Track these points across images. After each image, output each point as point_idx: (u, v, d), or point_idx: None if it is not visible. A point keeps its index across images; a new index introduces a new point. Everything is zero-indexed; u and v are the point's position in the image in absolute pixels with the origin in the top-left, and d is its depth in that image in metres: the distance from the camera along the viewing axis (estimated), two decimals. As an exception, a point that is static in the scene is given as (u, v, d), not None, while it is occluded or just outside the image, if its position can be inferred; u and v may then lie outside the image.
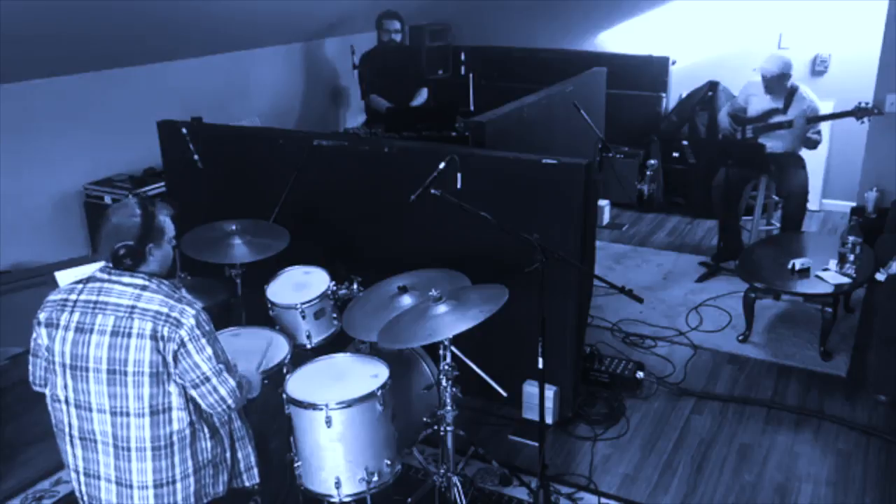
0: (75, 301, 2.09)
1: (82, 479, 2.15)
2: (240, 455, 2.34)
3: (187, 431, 2.11)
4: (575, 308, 3.34)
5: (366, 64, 5.60)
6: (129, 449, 2.08)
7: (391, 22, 5.47)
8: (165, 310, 2.06)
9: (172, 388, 2.08)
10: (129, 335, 2.04)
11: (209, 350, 2.10)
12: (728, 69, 6.09)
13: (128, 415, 2.06)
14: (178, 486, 2.12)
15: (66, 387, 2.10)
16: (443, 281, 2.79)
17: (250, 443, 2.37)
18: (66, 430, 2.14)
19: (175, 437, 2.10)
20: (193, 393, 2.11)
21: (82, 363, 2.07)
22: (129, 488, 2.10)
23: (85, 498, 2.18)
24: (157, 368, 2.05)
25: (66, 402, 2.11)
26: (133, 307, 2.06)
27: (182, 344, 2.05)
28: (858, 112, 4.59)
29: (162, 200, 2.25)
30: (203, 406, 2.14)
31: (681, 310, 4.56)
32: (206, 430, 2.17)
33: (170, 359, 2.06)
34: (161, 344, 2.04)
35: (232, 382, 2.15)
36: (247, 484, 2.38)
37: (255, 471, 2.39)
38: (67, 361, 2.08)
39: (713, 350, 4.12)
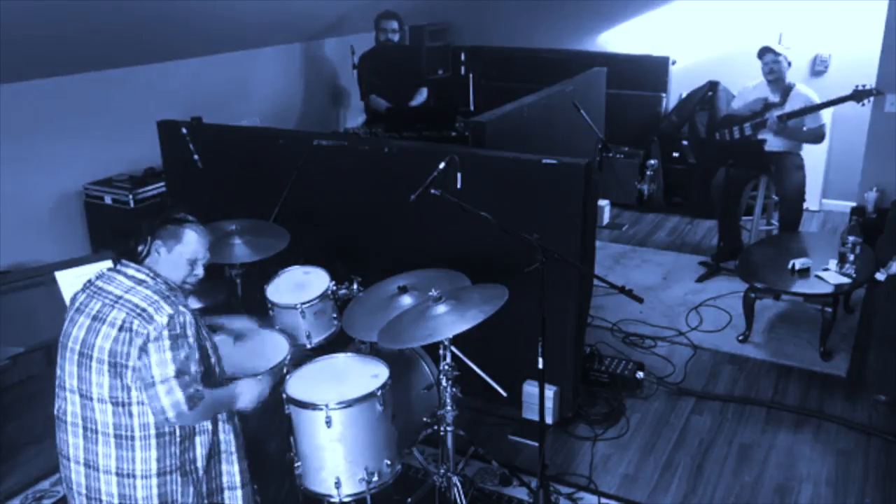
0: (91, 284, 2.15)
1: (61, 459, 2.18)
2: (223, 468, 2.28)
3: (151, 431, 2.07)
4: (575, 308, 3.34)
5: (364, 64, 5.60)
6: (95, 431, 2.09)
7: (389, 22, 5.47)
8: (144, 304, 2.05)
9: (130, 384, 2.04)
10: (104, 322, 2.05)
11: (167, 355, 2.02)
12: (728, 69, 6.09)
13: (91, 399, 2.07)
14: (138, 482, 2.09)
15: (57, 364, 2.14)
16: (443, 281, 2.79)
17: (239, 461, 2.29)
18: (55, 410, 2.17)
19: (137, 433, 2.07)
20: (143, 395, 2.04)
21: (64, 340, 2.12)
22: (96, 470, 2.10)
23: (63, 480, 2.19)
24: (116, 359, 2.03)
25: (55, 378, 2.16)
26: (119, 297, 2.07)
27: (146, 342, 2.01)
28: (857, 95, 4.55)
29: (201, 226, 2.25)
30: (150, 409, 2.06)
31: (681, 310, 4.56)
32: (177, 434, 2.12)
33: (135, 353, 2.02)
34: (127, 335, 2.02)
35: (178, 395, 2.02)
36: (227, 503, 2.29)
37: (240, 492, 2.29)
38: (59, 338, 2.14)
39: (713, 350, 4.12)
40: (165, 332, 2.02)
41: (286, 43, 6.09)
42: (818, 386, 3.78)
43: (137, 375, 2.04)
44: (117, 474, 2.09)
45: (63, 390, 2.13)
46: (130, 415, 2.07)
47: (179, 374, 2.03)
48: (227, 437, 2.27)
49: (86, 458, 2.11)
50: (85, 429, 2.10)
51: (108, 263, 2.90)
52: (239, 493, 2.31)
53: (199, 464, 2.19)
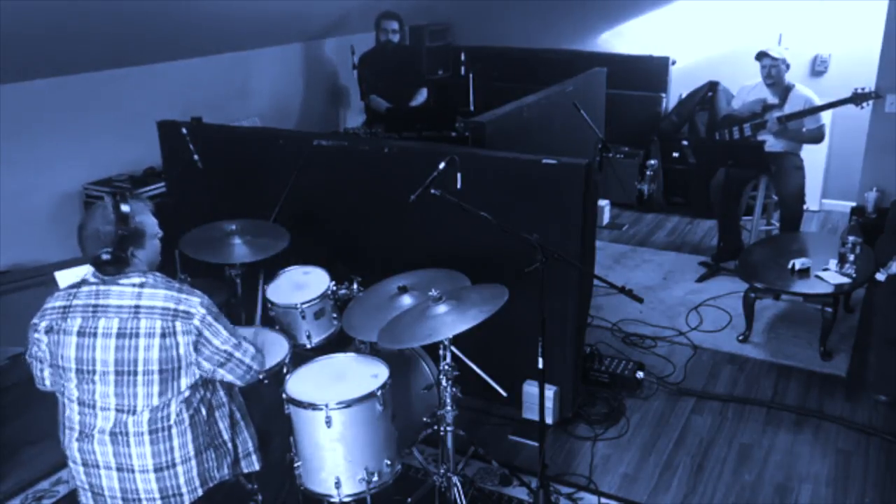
0: (73, 306, 2.10)
1: (81, 469, 2.16)
2: (238, 440, 2.35)
3: (184, 415, 2.12)
4: (575, 308, 3.33)
5: (364, 64, 5.60)
6: (127, 434, 2.09)
7: (389, 22, 5.48)
8: (172, 304, 2.08)
9: (183, 380, 2.11)
10: (137, 335, 2.05)
11: (224, 332, 2.17)
12: (728, 69, 6.09)
13: (135, 412, 2.08)
14: (179, 469, 2.13)
15: (71, 388, 2.12)
16: (443, 281, 2.79)
17: (247, 427, 2.39)
18: (68, 423, 2.16)
19: (173, 419, 2.11)
20: (222, 371, 2.18)
21: (88, 367, 2.08)
22: (132, 472, 2.11)
23: (87, 487, 2.18)
24: (167, 365, 2.07)
25: (70, 399, 2.13)
26: (137, 307, 2.07)
27: (199, 333, 2.11)
28: (857, 98, 4.56)
29: (137, 198, 2.19)
30: (232, 378, 2.22)
31: (681, 310, 4.56)
32: (203, 412, 2.19)
33: (189, 350, 2.09)
34: (172, 339, 2.06)
35: (251, 349, 2.26)
36: (244, 471, 2.38)
37: (255, 457, 2.40)
38: (72, 366, 2.09)
39: (713, 350, 4.12)
40: (210, 318, 2.13)
41: (286, 43, 6.09)
42: (818, 386, 3.78)
43: (201, 362, 2.12)
44: (156, 470, 2.11)
45: (91, 408, 2.10)
46: (168, 405, 2.10)
47: (237, 336, 2.22)
48: (239, 402, 2.37)
49: (118, 462, 2.11)
50: (113, 434, 2.10)
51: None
52: (254, 457, 2.41)
53: (226, 436, 2.28)
